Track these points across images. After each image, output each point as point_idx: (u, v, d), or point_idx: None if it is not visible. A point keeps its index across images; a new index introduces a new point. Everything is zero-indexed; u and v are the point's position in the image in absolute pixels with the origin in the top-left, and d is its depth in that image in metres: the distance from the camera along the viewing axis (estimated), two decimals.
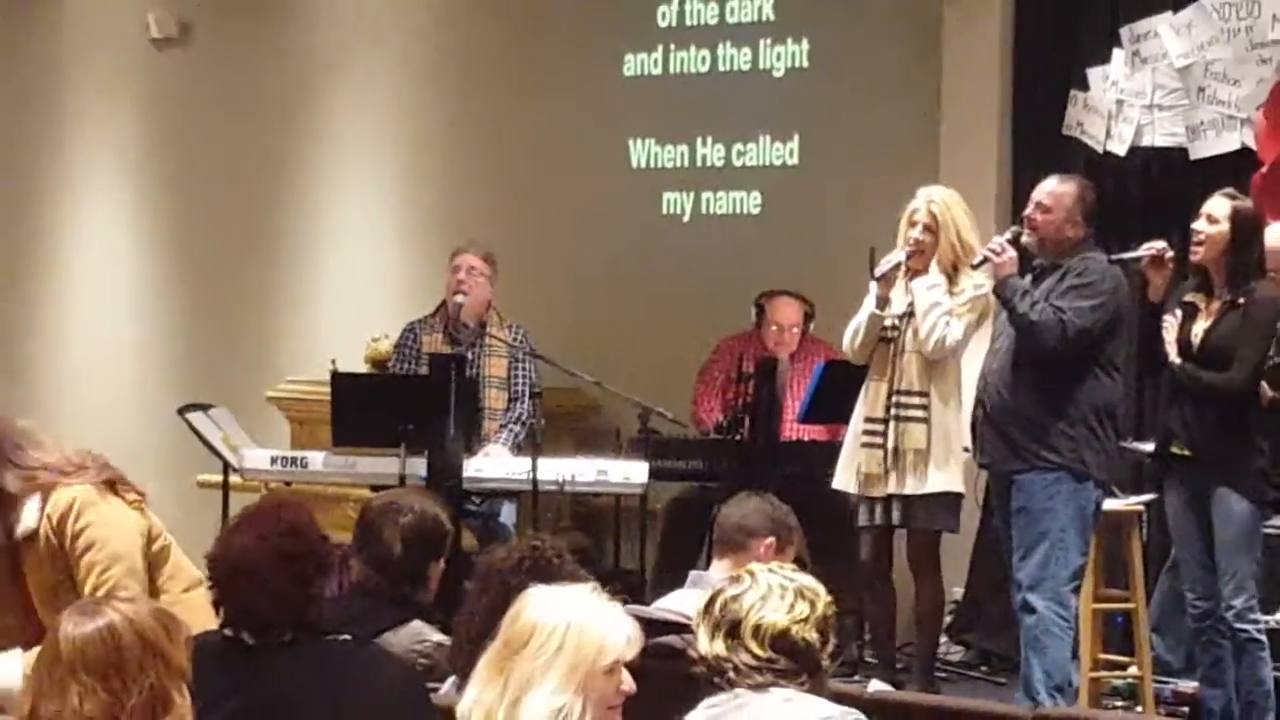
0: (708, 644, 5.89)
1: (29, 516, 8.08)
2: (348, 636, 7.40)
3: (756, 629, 5.81)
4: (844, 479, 11.93)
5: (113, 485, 8.16)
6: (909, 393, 11.89)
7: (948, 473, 12.02)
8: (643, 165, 16.62)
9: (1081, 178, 12.01)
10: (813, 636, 5.93)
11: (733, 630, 5.84)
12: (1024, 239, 11.64)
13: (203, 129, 19.09)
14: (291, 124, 18.56)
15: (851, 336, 11.97)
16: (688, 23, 16.38)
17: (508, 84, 17.27)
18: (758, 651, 5.81)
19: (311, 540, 7.36)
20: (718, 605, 5.95)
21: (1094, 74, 14.40)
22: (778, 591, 5.91)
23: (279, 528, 7.26)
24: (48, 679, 5.29)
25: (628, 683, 5.96)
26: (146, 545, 8.13)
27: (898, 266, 11.79)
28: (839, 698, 6.01)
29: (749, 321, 14.88)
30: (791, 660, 5.87)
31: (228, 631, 7.02)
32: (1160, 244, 11.30)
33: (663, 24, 16.45)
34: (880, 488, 11.84)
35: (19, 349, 20.07)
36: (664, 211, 16.49)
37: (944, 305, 11.76)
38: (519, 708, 5.83)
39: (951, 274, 11.82)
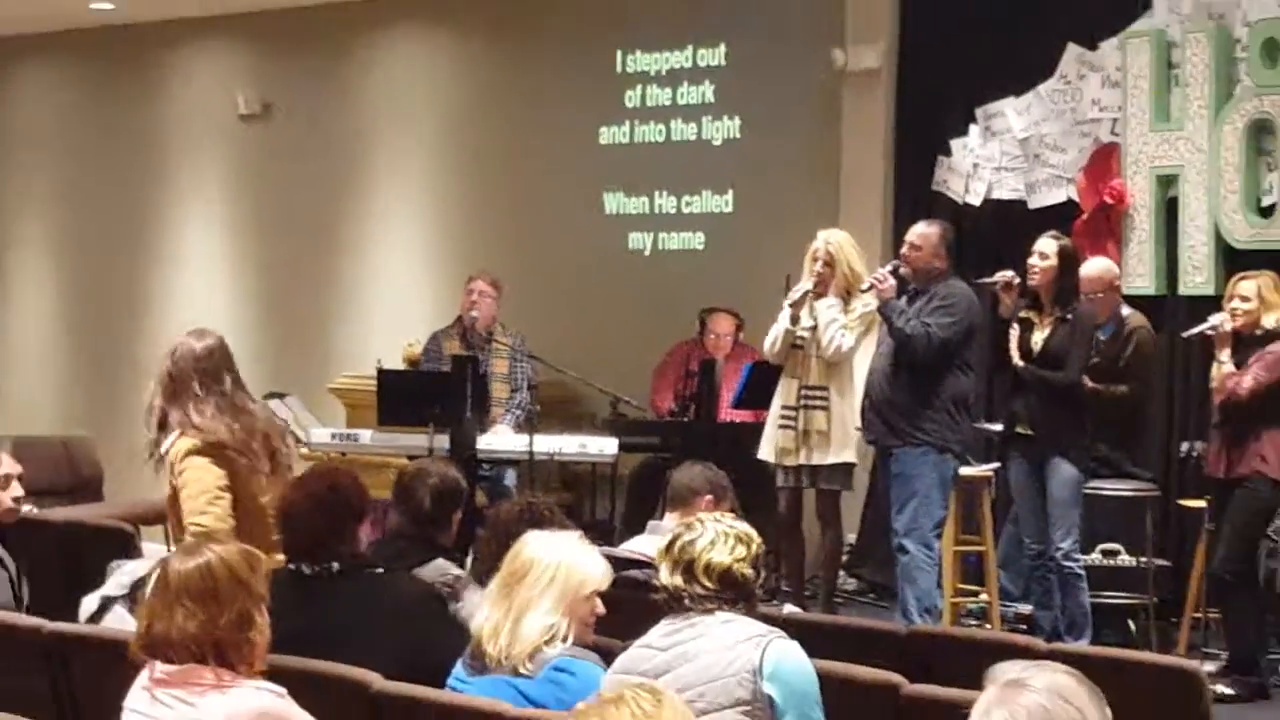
0: (668, 577, 5.99)
1: (165, 444, 8.55)
2: (381, 569, 7.61)
3: (707, 566, 5.92)
4: (766, 451, 12.07)
5: (218, 446, 8.29)
6: (814, 388, 11.99)
7: (844, 448, 12.13)
8: (613, 212, 16.66)
9: (944, 222, 12.12)
10: (749, 573, 6.05)
11: (688, 567, 5.94)
12: (901, 270, 11.75)
13: (279, 185, 19.11)
14: (347, 182, 18.58)
15: (770, 344, 12.09)
16: (648, 104, 16.42)
17: (510, 150, 17.33)
18: (707, 584, 5.92)
19: (347, 494, 7.59)
20: (676, 547, 6.05)
21: (956, 144, 14.43)
22: (722, 537, 6.01)
23: (320, 485, 7.60)
24: (159, 604, 5.41)
25: (600, 607, 6.25)
26: (231, 494, 8.33)
27: (806, 294, 11.88)
28: (764, 618, 6.08)
29: (694, 331, 14.93)
30: (732, 591, 5.98)
31: (290, 565, 7.22)
32: (1010, 273, 11.46)
33: (629, 105, 16.49)
34: (793, 459, 11.96)
35: (138, 357, 19.96)
36: (629, 248, 16.52)
37: (840, 321, 11.89)
38: (520, 625, 6.07)
39: (845, 297, 11.92)
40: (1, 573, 8.76)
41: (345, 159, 18.63)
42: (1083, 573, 11.51)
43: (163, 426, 8.63)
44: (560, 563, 6.17)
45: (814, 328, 11.95)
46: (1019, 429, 11.68)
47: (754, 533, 6.21)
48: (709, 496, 8.65)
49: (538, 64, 16.93)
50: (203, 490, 8.28)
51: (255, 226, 19.47)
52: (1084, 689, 3.94)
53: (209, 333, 8.87)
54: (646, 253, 16.44)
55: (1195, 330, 11.37)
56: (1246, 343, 10.89)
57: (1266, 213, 12.95)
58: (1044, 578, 11.55)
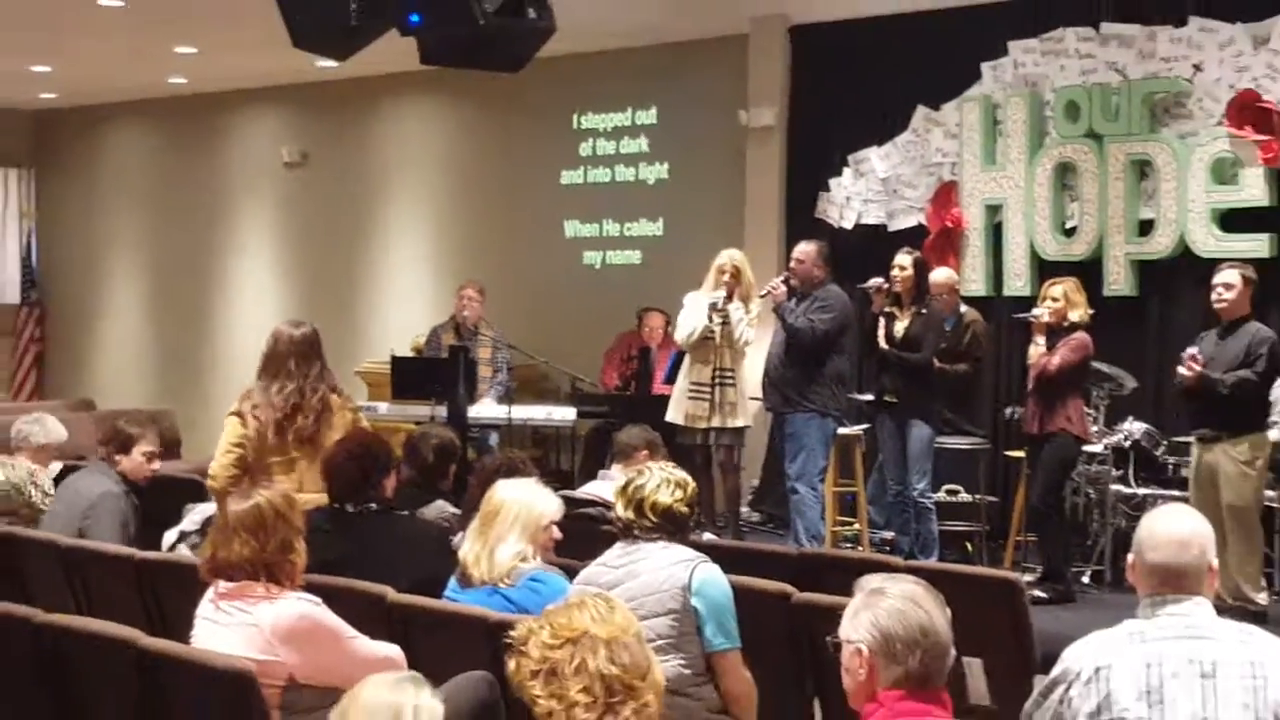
0: (622, 512, 6.08)
1: None
2: (405, 511, 7.71)
3: (653, 505, 6.00)
4: (674, 415, 12.09)
5: (238, 413, 8.37)
6: (726, 369, 11.97)
7: (744, 415, 12.20)
8: (572, 236, 16.61)
9: (822, 241, 12.18)
10: (685, 510, 6.13)
11: (639, 505, 6.02)
12: (791, 280, 11.84)
13: (315, 217, 19.07)
14: (367, 214, 18.54)
15: (688, 336, 12.04)
16: (597, 153, 16.40)
17: (492, 189, 17.28)
18: (652, 519, 6.00)
19: (374, 451, 7.65)
20: (630, 488, 6.13)
21: (833, 182, 14.41)
22: (666, 483, 6.09)
23: (351, 444, 7.63)
24: (220, 536, 5.65)
25: (557, 533, 6.44)
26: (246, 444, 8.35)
27: (716, 302, 11.91)
28: (692, 545, 6.15)
29: (633, 326, 14.93)
30: (671, 525, 6.05)
31: (335, 505, 7.28)
32: (880, 279, 11.53)
33: (583, 154, 16.47)
34: (704, 423, 11.98)
35: (205, 351, 19.99)
36: (584, 263, 16.47)
37: (745, 320, 11.95)
38: (494, 554, 6.24)
39: (746, 301, 11.96)
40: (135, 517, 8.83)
41: (365, 197, 18.60)
42: (933, 507, 11.60)
43: None
44: (522, 502, 6.29)
45: (724, 324, 11.97)
46: (885, 398, 11.73)
47: (689, 479, 6.29)
48: (645, 451, 8.70)
49: (514, 123, 16.93)
50: (222, 445, 8.42)
51: (297, 249, 19.44)
52: (930, 595, 4.02)
53: (301, 323, 9.03)
54: (597, 267, 16.41)
55: (1024, 315, 11.41)
56: (1055, 331, 10.95)
57: (1069, 233, 13.02)
58: (903, 511, 11.67)
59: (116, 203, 21.59)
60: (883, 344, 11.59)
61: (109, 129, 21.66)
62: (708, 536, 10.17)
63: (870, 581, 4.05)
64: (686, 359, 12.37)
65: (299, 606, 5.44)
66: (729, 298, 11.96)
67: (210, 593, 5.58)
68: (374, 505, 7.36)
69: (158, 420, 18.05)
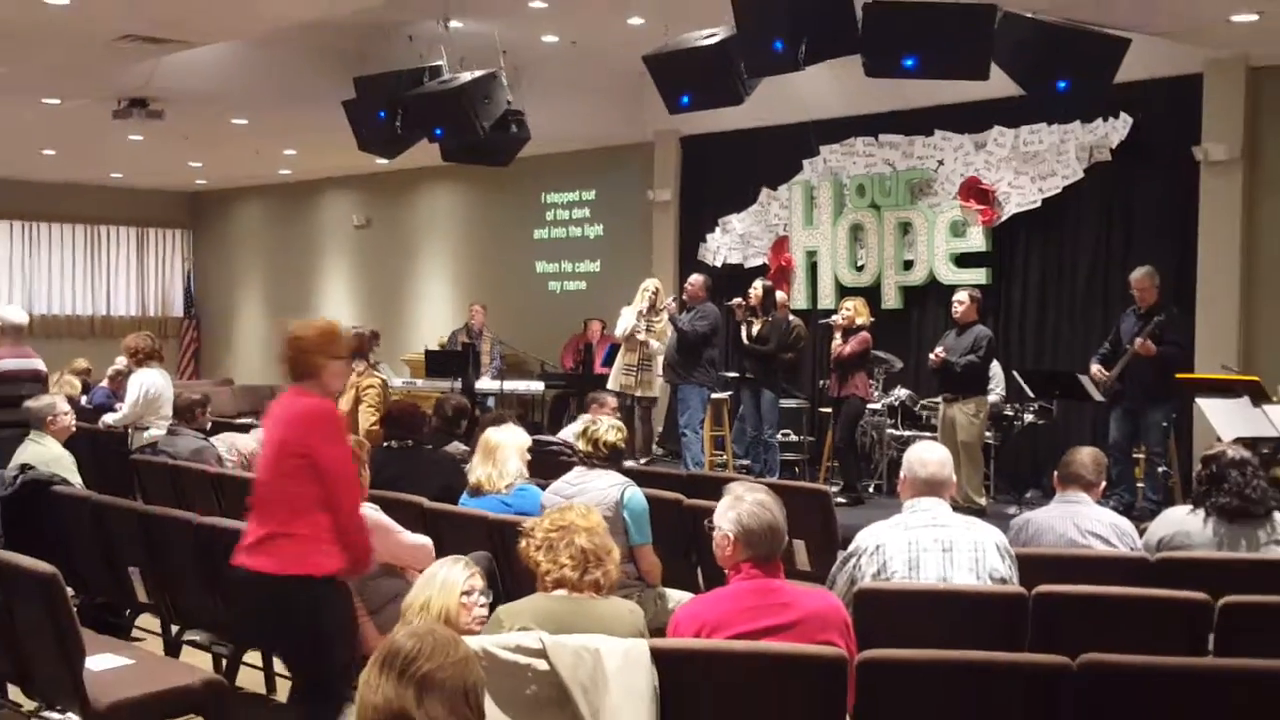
0: (581, 446, 6.01)
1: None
2: (430, 446, 7.65)
3: (604, 442, 5.94)
4: (611, 385, 11.72)
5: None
6: (647, 358, 11.87)
7: (655, 388, 12.04)
8: (541, 272, 16.53)
9: (705, 275, 12.06)
10: (622, 446, 6.10)
11: (594, 441, 5.95)
12: (683, 298, 11.80)
13: (374, 261, 18.89)
14: (409, 257, 18.38)
15: (623, 332, 11.84)
16: (557, 219, 16.33)
17: (490, 243, 17.14)
18: (603, 452, 5.93)
19: (414, 410, 7.74)
20: (588, 430, 6.08)
21: (709, 236, 14.25)
22: (612, 428, 6.01)
23: (405, 405, 7.89)
24: None
25: (528, 456, 6.38)
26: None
27: (643, 309, 11.84)
28: (625, 472, 6.10)
29: (581, 329, 14.79)
30: (613, 455, 5.99)
31: (391, 444, 7.27)
32: (740, 299, 11.38)
33: (548, 219, 16.41)
34: (631, 390, 11.78)
35: None
36: (548, 289, 16.38)
37: (660, 325, 11.86)
38: (504, 472, 6.16)
39: (657, 313, 11.87)
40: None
41: (407, 247, 18.40)
42: (775, 444, 11.50)
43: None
44: (513, 439, 6.22)
45: (648, 328, 11.86)
46: (745, 375, 11.60)
47: (624, 426, 6.36)
48: (612, 403, 8.92)
49: (503, 199, 16.74)
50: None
51: (363, 284, 19.21)
52: (773, 500, 4.02)
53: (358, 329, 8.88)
54: (557, 292, 16.29)
55: (828, 320, 11.37)
56: (848, 331, 10.95)
57: (859, 269, 13.00)
58: (756, 447, 11.51)
59: (243, 252, 21.40)
60: (744, 340, 11.49)
61: (239, 203, 21.43)
62: (629, 464, 10.15)
63: (735, 489, 4.08)
64: (621, 349, 12.19)
65: (366, 510, 5.33)
66: (651, 308, 11.89)
67: None
68: (413, 443, 7.38)
69: (273, 390, 18.08)
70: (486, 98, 10.29)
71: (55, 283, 21.02)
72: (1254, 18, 9.14)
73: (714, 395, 11.91)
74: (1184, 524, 5.30)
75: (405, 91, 10.62)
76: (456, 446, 7.99)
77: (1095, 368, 10.05)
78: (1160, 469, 9.97)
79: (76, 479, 7.14)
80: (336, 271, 19.79)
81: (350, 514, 4.61)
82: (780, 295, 12.36)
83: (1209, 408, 8.47)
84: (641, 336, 11.94)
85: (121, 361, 10.59)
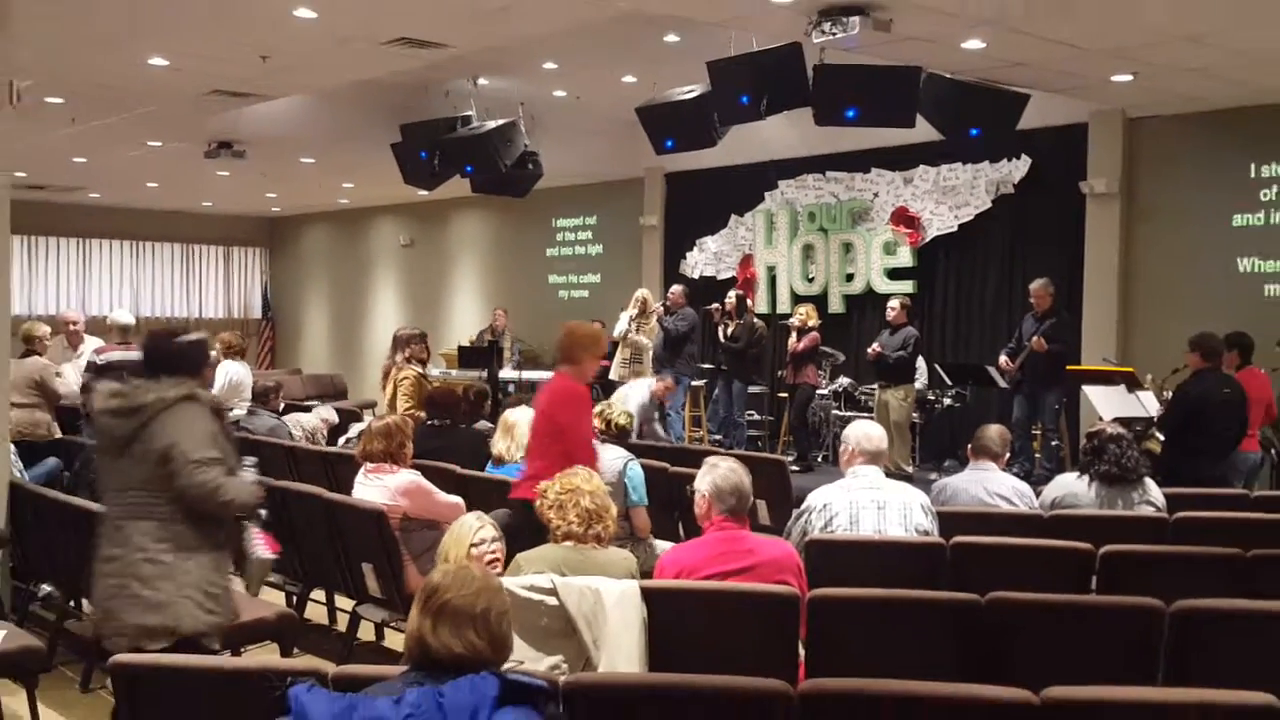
0: (596, 425, 5.91)
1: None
2: (464, 424, 7.54)
3: (615, 424, 6.17)
4: (613, 376, 11.61)
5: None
6: (638, 353, 11.71)
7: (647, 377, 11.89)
8: (553, 284, 16.48)
9: (685, 286, 12.06)
10: (627, 425, 6.22)
11: (606, 421, 6.16)
12: (666, 304, 11.70)
13: (417, 274, 18.80)
14: (445, 271, 18.30)
15: (619, 333, 11.73)
16: (565, 240, 16.26)
17: (513, 259, 17.07)
18: (613, 431, 6.14)
19: (450, 395, 7.62)
20: (603, 413, 6.19)
21: (689, 254, 14.20)
22: (622, 411, 6.28)
23: (444, 390, 7.77)
24: (367, 438, 5.50)
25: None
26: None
27: (633, 313, 11.73)
28: (628, 447, 6.12)
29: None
30: (621, 434, 6.14)
31: (432, 422, 7.21)
32: (717, 305, 11.41)
33: (558, 240, 16.33)
34: (626, 379, 11.42)
35: (356, 348, 19.80)
36: (559, 296, 16.25)
37: (645, 328, 11.74)
38: (519, 449, 5.98)
39: (646, 316, 11.81)
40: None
41: (444, 263, 18.28)
42: (743, 423, 11.51)
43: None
44: (527, 419, 6.02)
45: (638, 329, 11.74)
46: (721, 367, 11.58)
47: (633, 411, 6.34)
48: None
49: (522, 223, 16.65)
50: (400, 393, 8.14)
51: (407, 292, 19.09)
52: (741, 468, 4.02)
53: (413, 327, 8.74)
54: (566, 299, 16.13)
55: (785, 322, 11.35)
56: (801, 331, 10.94)
57: (810, 280, 12.96)
58: (727, 425, 11.43)
59: (309, 265, 21.24)
60: (721, 339, 11.46)
61: (306, 227, 21.30)
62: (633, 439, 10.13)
63: (711, 460, 4.08)
64: (618, 346, 12.00)
65: (409, 476, 5.36)
66: (640, 312, 11.78)
67: (361, 471, 5.47)
68: (450, 422, 7.35)
69: (333, 378, 18.08)
70: (508, 141, 10.35)
71: (157, 291, 20.99)
72: (1129, 78, 9.15)
73: (693, 383, 11.89)
74: (1072, 487, 5.32)
75: (442, 136, 10.69)
76: (484, 425, 7.91)
77: (1002, 359, 10.12)
78: (1053, 443, 10.03)
79: None
80: (385, 282, 19.64)
81: (586, 466, 4.63)
82: (748, 301, 12.37)
83: (1092, 393, 8.48)
84: (633, 336, 11.88)
85: (212, 354, 10.55)
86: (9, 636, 4.35)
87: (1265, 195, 10.03)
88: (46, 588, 5.82)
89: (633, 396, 10.04)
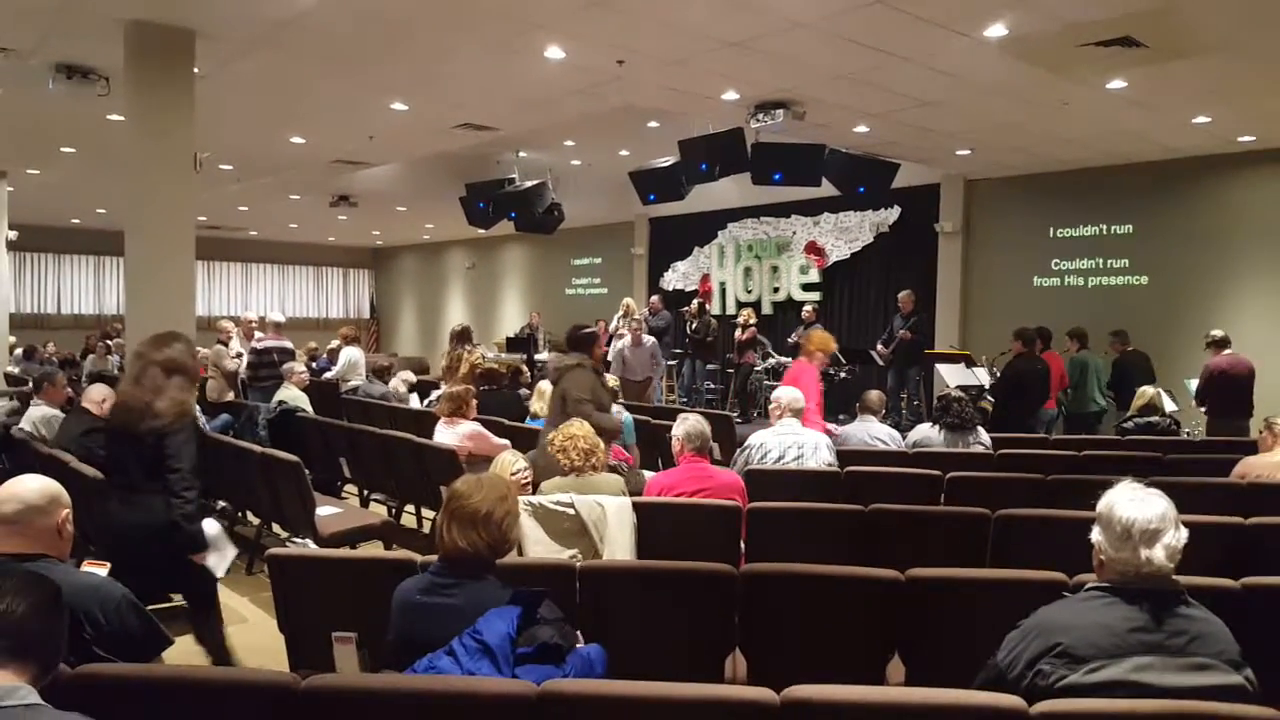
0: None
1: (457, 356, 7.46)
2: (507, 388, 7.36)
3: (609, 389, 5.71)
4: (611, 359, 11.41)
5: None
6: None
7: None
8: (571, 294, 16.29)
9: (661, 296, 11.95)
10: (619, 391, 5.81)
11: (609, 390, 5.79)
12: (649, 310, 11.56)
13: (477, 289, 18.40)
14: (497, 284, 17.90)
15: (612, 329, 11.43)
16: (580, 268, 16.09)
17: (548, 278, 16.78)
18: (611, 395, 5.75)
19: (495, 372, 7.45)
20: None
21: (666, 273, 14.06)
22: (611, 380, 5.70)
23: (488, 369, 7.38)
24: (442, 401, 5.35)
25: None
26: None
27: (620, 317, 11.32)
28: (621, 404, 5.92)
29: (594, 325, 14.52)
30: (614, 395, 5.81)
31: (486, 386, 7.03)
32: (687, 308, 11.28)
33: (575, 267, 16.12)
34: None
35: (431, 340, 19.66)
36: (575, 302, 16.03)
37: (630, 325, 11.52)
38: (546, 405, 5.58)
39: (628, 317, 11.57)
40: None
41: (496, 280, 17.83)
42: (704, 390, 11.24)
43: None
44: (549, 387, 5.89)
45: (621, 330, 11.48)
46: (688, 352, 11.31)
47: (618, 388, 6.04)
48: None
49: (552, 255, 16.39)
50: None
51: (470, 302, 18.63)
52: (703, 420, 3.96)
53: (465, 329, 8.41)
54: (580, 304, 15.92)
55: (734, 322, 11.21)
56: (743, 327, 10.78)
57: (749, 292, 12.95)
58: (692, 392, 11.19)
59: (402, 282, 20.88)
60: (688, 333, 11.27)
61: (400, 255, 20.93)
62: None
63: (682, 415, 4.04)
64: (615, 338, 11.83)
65: (472, 425, 5.31)
66: (625, 314, 11.52)
67: (440, 422, 5.40)
68: (498, 387, 7.25)
69: (420, 360, 17.84)
70: (540, 196, 10.28)
71: (299, 299, 20.86)
72: (968, 152, 9.15)
73: (668, 364, 11.80)
74: (927, 433, 5.31)
75: (494, 192, 10.62)
76: (523, 392, 7.74)
77: (879, 346, 10.12)
78: (915, 403, 10.02)
79: (309, 409, 7.08)
80: (455, 294, 19.29)
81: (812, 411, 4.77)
82: (706, 308, 12.36)
83: (942, 369, 8.50)
84: (623, 331, 11.69)
85: (335, 342, 10.50)
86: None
87: (1056, 233, 10.08)
88: (222, 503, 5.83)
89: (614, 319, 10.26)
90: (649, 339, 9.90)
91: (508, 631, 2.03)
